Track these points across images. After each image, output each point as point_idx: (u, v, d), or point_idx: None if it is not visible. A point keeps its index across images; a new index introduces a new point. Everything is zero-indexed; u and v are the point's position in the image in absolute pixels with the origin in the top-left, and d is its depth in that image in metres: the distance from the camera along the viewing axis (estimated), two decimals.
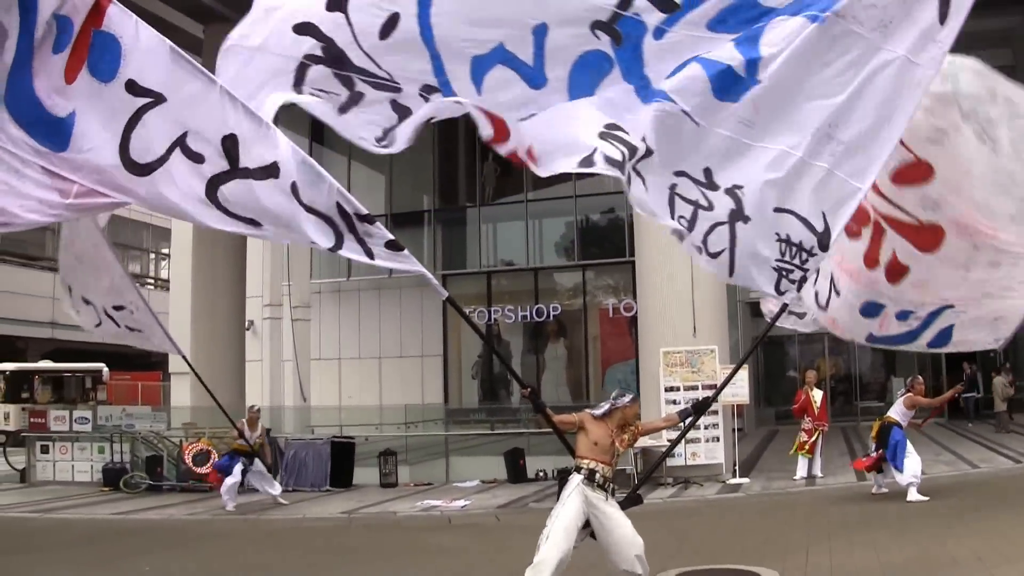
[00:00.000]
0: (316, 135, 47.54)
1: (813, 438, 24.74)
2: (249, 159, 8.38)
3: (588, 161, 9.55)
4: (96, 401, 41.25)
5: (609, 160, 9.59)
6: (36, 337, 60.11)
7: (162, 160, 8.09)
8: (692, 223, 10.34)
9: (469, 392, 45.58)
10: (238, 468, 24.08)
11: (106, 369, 46.84)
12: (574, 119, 9.80)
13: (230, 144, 8.28)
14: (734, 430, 26.59)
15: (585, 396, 41.39)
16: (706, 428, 25.74)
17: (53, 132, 7.99)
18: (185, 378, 39.66)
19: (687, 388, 25.78)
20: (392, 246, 9.29)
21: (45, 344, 60.39)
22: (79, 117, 7.87)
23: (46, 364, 48.57)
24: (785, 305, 11.31)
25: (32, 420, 32.73)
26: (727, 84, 9.59)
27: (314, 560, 18.02)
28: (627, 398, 12.62)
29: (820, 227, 10.05)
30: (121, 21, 8.17)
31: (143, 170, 8.08)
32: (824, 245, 10.13)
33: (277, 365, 39.64)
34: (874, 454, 21.50)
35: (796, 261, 10.36)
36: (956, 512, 18.29)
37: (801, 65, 9.54)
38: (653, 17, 9.53)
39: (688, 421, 12.87)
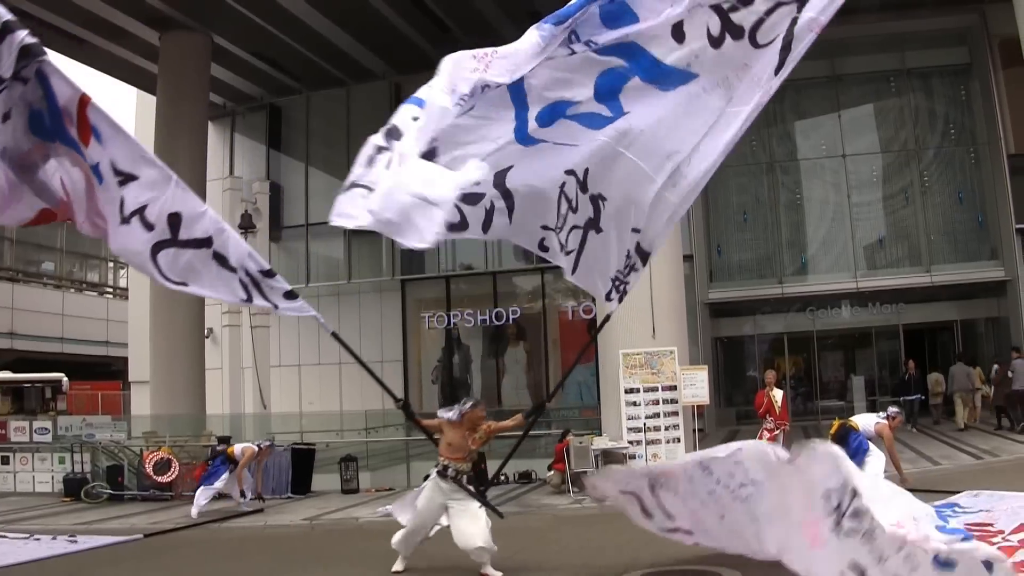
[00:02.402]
0: (273, 142, 47.60)
1: (773, 436, 24.88)
2: (187, 232, 11.11)
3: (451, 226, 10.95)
4: (56, 411, 40.95)
5: (450, 227, 10.87)
6: None
7: (126, 220, 10.99)
8: (563, 221, 11.65)
9: (429, 397, 45.61)
10: (224, 477, 24.23)
11: (66, 379, 46.51)
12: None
13: (174, 220, 11.06)
14: (695, 430, 26.69)
15: (545, 399, 41.53)
16: (667, 429, 25.86)
17: (96, 172, 11.09)
18: (145, 387, 39.56)
19: (647, 389, 25.89)
20: (289, 296, 11.79)
21: (4, 354, 60.08)
22: (101, 166, 10.92)
23: (5, 374, 48.20)
24: (608, 316, 13.28)
25: None
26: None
27: (277, 568, 18.01)
28: (468, 404, 15.27)
29: (648, 248, 11.75)
30: (101, 115, 10.93)
31: (123, 220, 11.04)
32: (645, 260, 11.86)
33: (237, 372, 39.52)
34: None
35: (628, 276, 11.99)
36: None
37: (664, 113, 11.01)
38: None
39: (531, 420, 16.35)
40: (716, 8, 10.49)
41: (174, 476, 27.94)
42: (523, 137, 10.96)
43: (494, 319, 44.26)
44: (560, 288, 44.58)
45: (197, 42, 39.31)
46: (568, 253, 11.76)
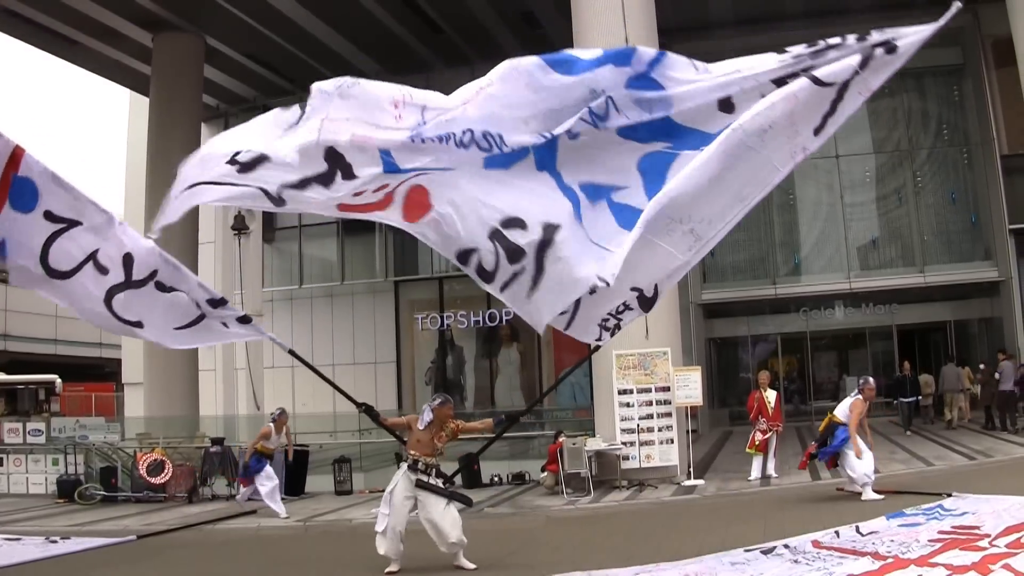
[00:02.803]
0: None
1: (766, 437, 24.89)
2: (138, 272, 10.79)
3: (463, 259, 10.76)
4: (50, 413, 41.00)
5: (480, 271, 10.76)
6: None
7: (77, 268, 10.51)
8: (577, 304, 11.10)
9: (423, 398, 45.48)
10: (270, 470, 23.96)
11: (59, 381, 46.61)
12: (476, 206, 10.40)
13: (128, 261, 10.70)
14: (688, 432, 26.63)
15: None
16: (660, 431, 25.81)
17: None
18: (139, 388, 39.53)
19: (640, 390, 25.85)
20: (243, 320, 11.71)
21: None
22: (8, 240, 10.14)
23: None
24: (599, 346, 12.90)
25: None
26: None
27: (270, 570, 18.00)
28: (438, 401, 15.94)
29: (651, 294, 11.12)
30: (35, 166, 10.18)
31: (63, 275, 10.50)
32: (647, 308, 11.38)
33: (230, 374, 39.52)
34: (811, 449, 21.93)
35: (619, 317, 11.58)
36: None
37: (693, 176, 9.77)
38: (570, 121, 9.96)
39: (500, 428, 16.49)
40: (774, 80, 9.65)
41: (167, 477, 27.90)
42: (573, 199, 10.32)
43: (487, 320, 44.19)
44: None
45: (190, 43, 39.35)
46: (563, 314, 11.32)
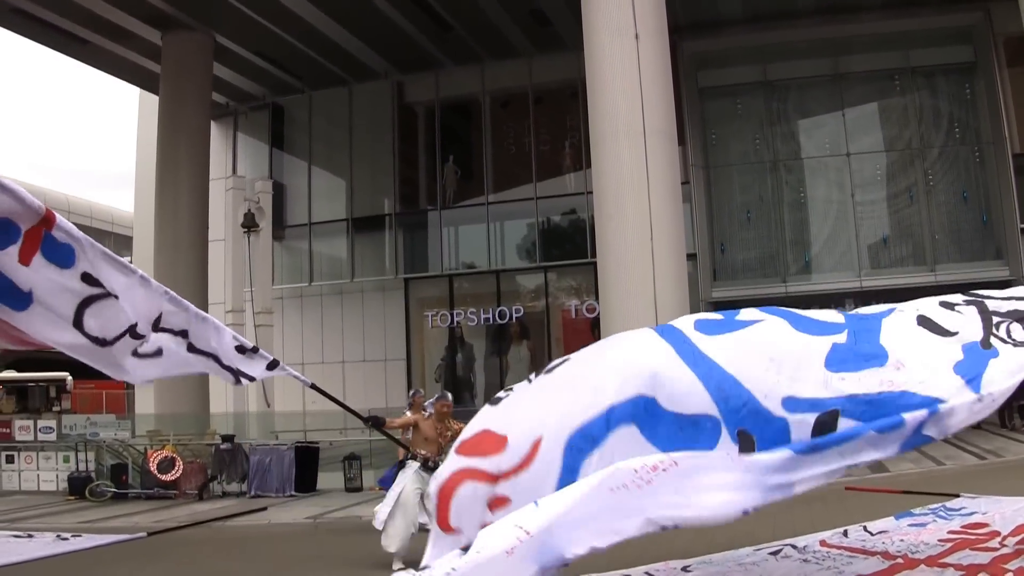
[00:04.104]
0: (276, 141, 47.49)
1: None
2: (166, 323, 10.30)
3: None
4: (60, 410, 40.92)
5: None
6: None
7: (114, 341, 9.76)
8: None
9: (433, 395, 45.57)
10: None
11: (70, 378, 46.45)
12: None
13: (158, 320, 10.20)
14: None
15: None
16: None
17: (15, 298, 9.13)
18: (149, 386, 39.48)
19: None
20: (271, 366, 11.20)
21: (8, 353, 59.96)
22: (36, 290, 9.09)
23: (9, 374, 48.19)
24: None
25: None
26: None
27: (280, 566, 18.01)
28: (435, 396, 17.39)
29: None
30: (69, 231, 9.31)
31: (102, 343, 9.67)
32: None
33: None
34: None
35: None
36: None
37: None
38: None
39: None
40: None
41: (178, 474, 27.95)
42: None
43: (497, 318, 44.24)
44: (563, 287, 44.62)
45: (199, 41, 39.39)
46: None
